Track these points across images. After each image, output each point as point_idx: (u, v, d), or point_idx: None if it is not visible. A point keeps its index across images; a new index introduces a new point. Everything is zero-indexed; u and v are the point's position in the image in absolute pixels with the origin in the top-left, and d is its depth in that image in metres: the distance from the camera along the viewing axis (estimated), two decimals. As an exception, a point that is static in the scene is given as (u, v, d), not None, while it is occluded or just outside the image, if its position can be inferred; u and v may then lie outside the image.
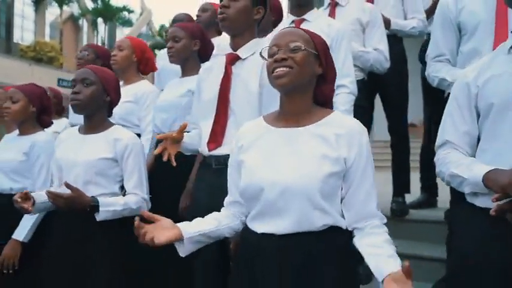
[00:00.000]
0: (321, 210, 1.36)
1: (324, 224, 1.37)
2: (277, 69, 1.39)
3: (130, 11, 31.53)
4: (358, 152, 1.38)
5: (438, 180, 3.50)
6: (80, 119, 2.24)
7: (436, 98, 3.33)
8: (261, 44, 1.95)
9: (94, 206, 1.92)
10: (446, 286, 1.65)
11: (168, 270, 2.34)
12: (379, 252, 1.32)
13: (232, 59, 1.94)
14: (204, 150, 1.94)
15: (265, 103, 1.84)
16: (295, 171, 1.36)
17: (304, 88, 1.44)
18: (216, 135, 1.91)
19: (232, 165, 1.56)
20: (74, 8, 30.21)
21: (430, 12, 3.08)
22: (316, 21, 2.36)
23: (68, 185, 1.88)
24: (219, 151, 1.88)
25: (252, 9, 1.92)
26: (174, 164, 1.86)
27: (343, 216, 1.41)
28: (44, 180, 2.36)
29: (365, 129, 1.43)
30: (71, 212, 1.94)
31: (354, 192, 1.39)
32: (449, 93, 2.91)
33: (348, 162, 1.37)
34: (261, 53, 1.52)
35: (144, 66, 2.95)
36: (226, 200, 1.58)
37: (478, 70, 1.52)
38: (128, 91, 2.65)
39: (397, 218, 2.94)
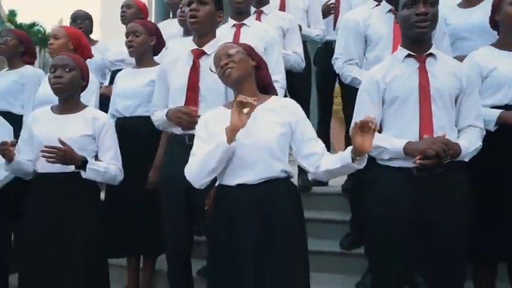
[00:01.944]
0: (278, 159, 1.92)
1: (281, 169, 1.92)
2: (226, 71, 1.94)
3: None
4: (299, 116, 1.97)
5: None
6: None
7: (327, 94, 4.07)
8: (220, 42, 2.37)
9: (83, 162, 2.18)
10: (368, 230, 2.21)
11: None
12: (335, 156, 1.89)
13: (199, 54, 2.35)
14: (178, 129, 2.32)
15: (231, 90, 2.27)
16: (258, 133, 1.90)
17: (247, 78, 2.00)
18: (190, 117, 2.29)
19: (200, 136, 2.00)
20: None
21: None
22: (253, 26, 2.84)
23: (61, 142, 2.11)
24: (192, 130, 2.26)
25: (216, 13, 2.35)
26: None
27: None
28: None
29: (297, 103, 2.03)
30: (52, 189, 2.19)
31: (309, 141, 1.96)
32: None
33: (292, 125, 1.95)
34: (210, 68, 2.06)
35: (80, 54, 3.11)
36: None
37: (384, 72, 2.13)
38: None
39: (303, 192, 3.55)
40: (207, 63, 2.31)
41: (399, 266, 2.08)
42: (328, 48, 3.65)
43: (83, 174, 2.20)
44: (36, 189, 2.27)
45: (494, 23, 2.43)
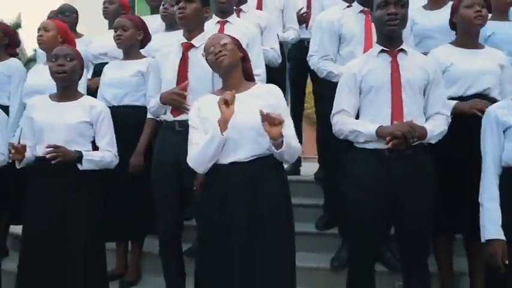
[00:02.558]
0: (264, 136, 2.04)
1: (267, 147, 2.06)
2: (219, 58, 2.12)
3: None
4: (280, 101, 2.16)
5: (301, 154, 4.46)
6: None
7: (300, 89, 4.32)
8: (207, 36, 2.56)
9: (78, 157, 2.32)
10: (345, 214, 2.43)
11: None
12: None
13: (188, 47, 2.53)
14: (169, 116, 2.50)
15: (217, 80, 2.46)
16: (245, 116, 2.06)
17: (236, 66, 2.20)
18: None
19: (194, 125, 2.16)
20: None
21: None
22: (236, 23, 3.03)
23: (50, 145, 2.26)
24: (182, 117, 2.45)
25: (202, 9, 2.53)
26: None
27: None
28: None
29: (280, 90, 2.21)
30: (52, 186, 2.32)
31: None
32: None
33: (274, 106, 2.10)
34: (203, 54, 2.23)
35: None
36: None
37: (360, 66, 2.37)
38: None
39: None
40: (195, 55, 2.49)
41: (373, 247, 2.34)
42: (301, 45, 3.88)
43: (80, 167, 2.33)
44: (37, 175, 2.38)
45: (452, 24, 2.72)
